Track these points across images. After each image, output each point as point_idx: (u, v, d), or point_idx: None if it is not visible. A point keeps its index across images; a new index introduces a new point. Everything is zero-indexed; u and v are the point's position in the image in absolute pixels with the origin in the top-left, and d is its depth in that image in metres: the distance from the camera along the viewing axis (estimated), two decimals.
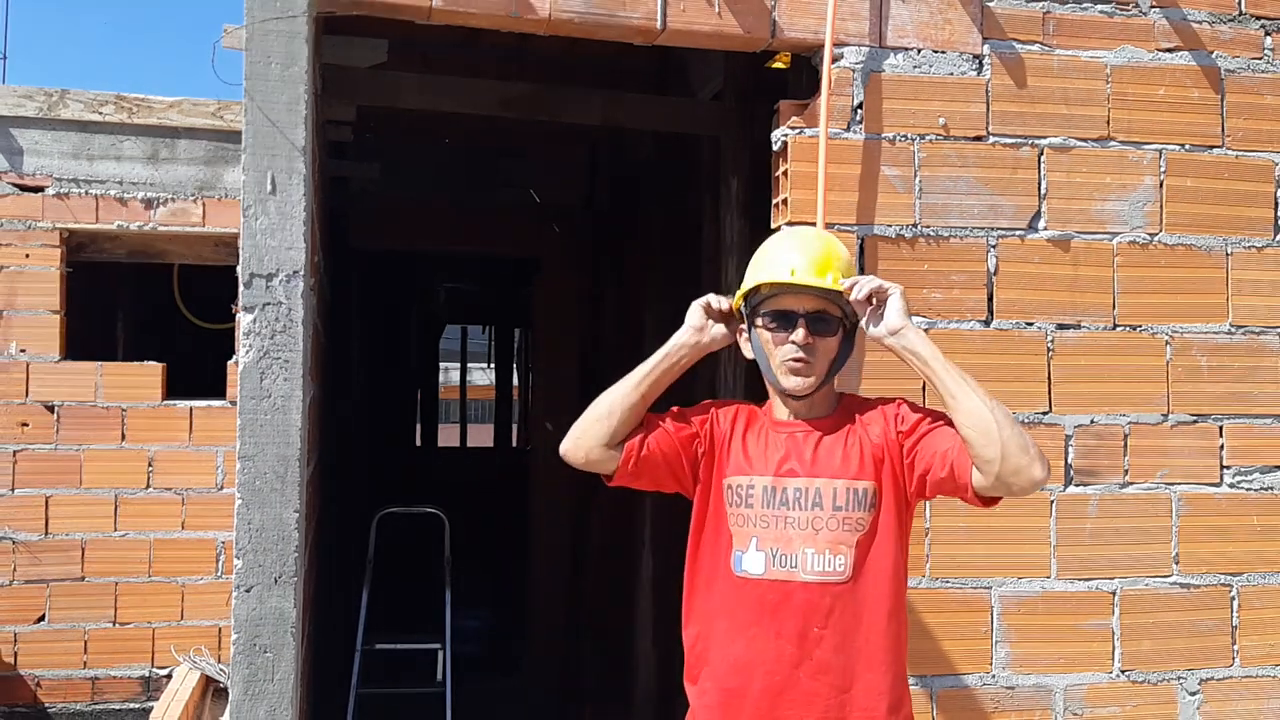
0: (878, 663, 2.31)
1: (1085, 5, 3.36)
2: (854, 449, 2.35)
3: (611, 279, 7.09)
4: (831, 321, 2.37)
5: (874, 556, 2.31)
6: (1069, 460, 3.28)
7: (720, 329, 2.45)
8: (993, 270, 3.27)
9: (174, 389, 5.39)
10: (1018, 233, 3.29)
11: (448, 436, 15.79)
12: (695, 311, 2.45)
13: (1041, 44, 3.33)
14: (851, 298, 2.35)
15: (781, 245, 2.42)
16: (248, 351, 2.89)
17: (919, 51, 3.27)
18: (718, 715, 2.35)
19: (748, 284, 2.41)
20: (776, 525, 2.31)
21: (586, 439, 2.42)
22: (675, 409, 2.50)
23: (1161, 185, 3.37)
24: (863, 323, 2.39)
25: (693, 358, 2.45)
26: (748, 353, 2.45)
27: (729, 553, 2.35)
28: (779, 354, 2.35)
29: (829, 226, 3.14)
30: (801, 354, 2.32)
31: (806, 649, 2.28)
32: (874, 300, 2.36)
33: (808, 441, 2.37)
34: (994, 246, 3.28)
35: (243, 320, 2.91)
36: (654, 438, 2.41)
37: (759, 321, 2.38)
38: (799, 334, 2.33)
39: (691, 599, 2.43)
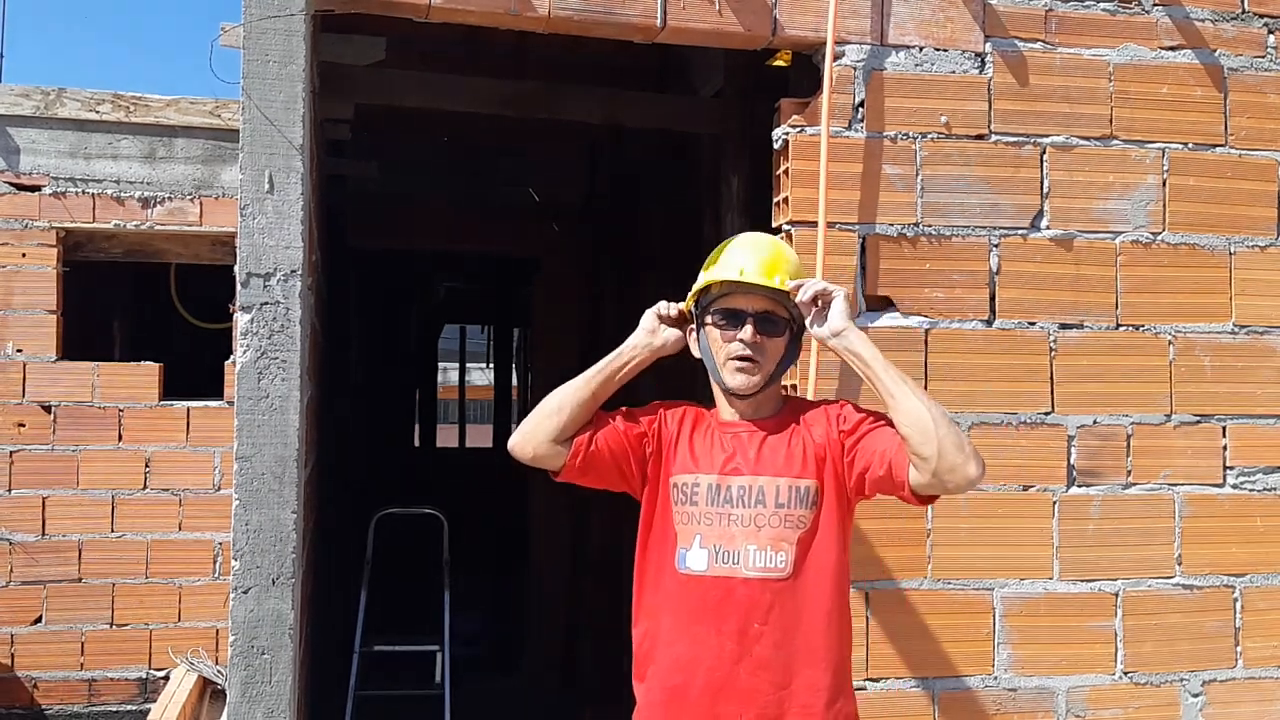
0: (818, 660, 2.34)
1: (1088, 3, 3.34)
2: (797, 448, 2.39)
3: (611, 278, 7.07)
4: (779, 323, 2.41)
5: (815, 554, 2.34)
6: (1071, 461, 3.26)
7: (673, 333, 2.49)
8: (995, 269, 3.25)
9: (171, 389, 5.37)
10: (1020, 232, 3.27)
11: (446, 437, 15.77)
12: (648, 316, 2.50)
13: (1044, 42, 3.31)
14: (797, 299, 2.39)
15: (732, 248, 2.46)
16: (245, 351, 2.87)
17: (920, 49, 3.25)
18: (660, 713, 2.37)
19: (699, 284, 2.44)
20: (720, 522, 2.34)
21: (536, 434, 2.45)
22: (625, 409, 2.52)
23: (1164, 184, 3.35)
24: (807, 324, 2.42)
25: (645, 360, 2.49)
26: (696, 352, 2.48)
27: (674, 550, 2.38)
28: (726, 351, 2.39)
29: (830, 225, 3.13)
30: (748, 352, 2.37)
31: (746, 645, 2.31)
32: (819, 302, 2.40)
33: (752, 440, 2.41)
34: (996, 245, 3.26)
35: (240, 320, 2.89)
36: (603, 435, 2.44)
37: (708, 320, 2.43)
38: (747, 331, 2.37)
39: (639, 597, 2.46)
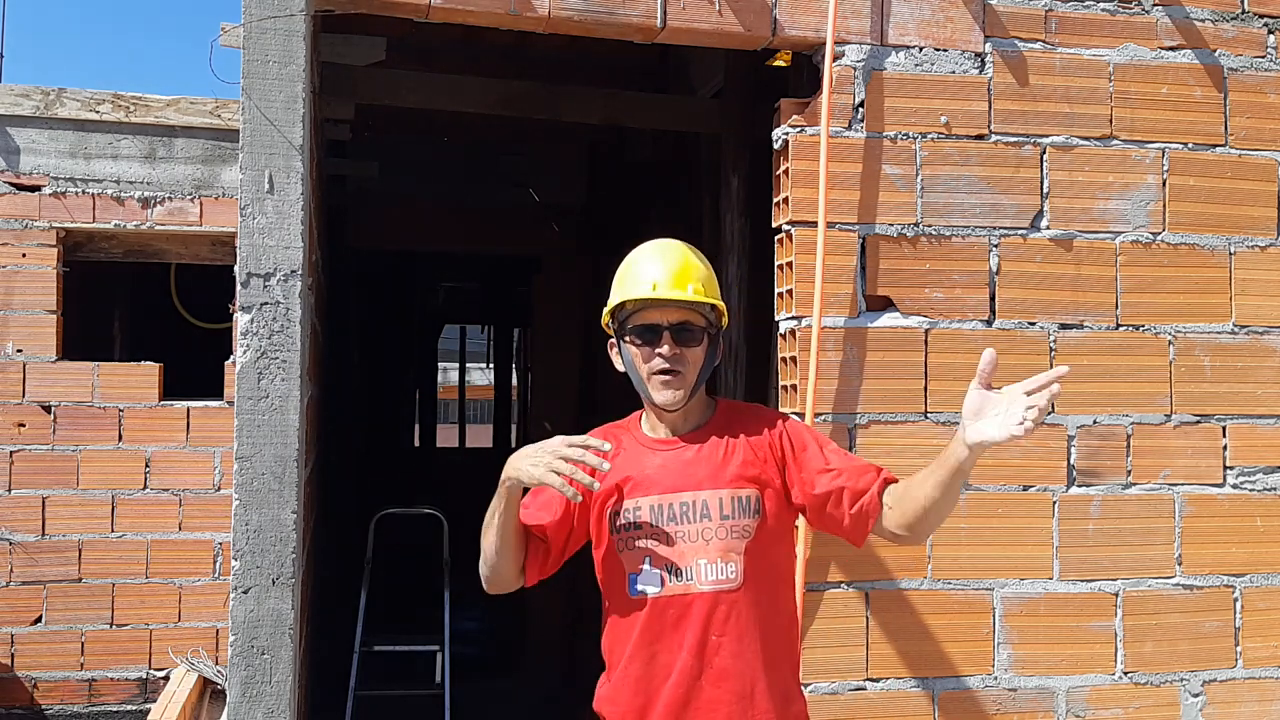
0: (776, 664, 2.37)
1: (1088, 3, 3.34)
2: (734, 458, 2.39)
3: (611, 278, 7.07)
4: (695, 331, 2.40)
5: (763, 560, 2.36)
6: (1071, 461, 3.26)
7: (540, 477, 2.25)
8: (995, 269, 3.25)
9: (171, 389, 5.37)
10: (1020, 232, 3.27)
11: (446, 437, 15.78)
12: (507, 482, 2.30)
13: (1044, 42, 3.31)
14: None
15: (642, 259, 2.45)
16: (245, 351, 2.87)
17: (920, 49, 3.25)
18: None
19: (612, 301, 2.44)
20: (668, 541, 2.34)
21: (498, 585, 2.46)
22: (535, 492, 2.44)
23: (1164, 184, 3.35)
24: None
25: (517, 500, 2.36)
26: (619, 366, 2.48)
27: (624, 577, 2.38)
28: (648, 368, 2.39)
29: (830, 225, 3.13)
30: (669, 365, 2.36)
31: (707, 658, 2.32)
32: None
33: (687, 456, 2.41)
34: (996, 245, 3.26)
35: (240, 320, 2.89)
36: (547, 551, 2.43)
37: (627, 338, 2.42)
38: (664, 348, 2.36)
39: (604, 627, 2.47)
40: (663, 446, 2.43)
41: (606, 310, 2.47)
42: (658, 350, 2.36)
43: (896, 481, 2.34)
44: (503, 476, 2.31)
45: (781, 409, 3.28)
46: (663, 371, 2.36)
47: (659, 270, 2.39)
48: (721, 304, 2.44)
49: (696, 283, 2.38)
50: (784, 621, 2.43)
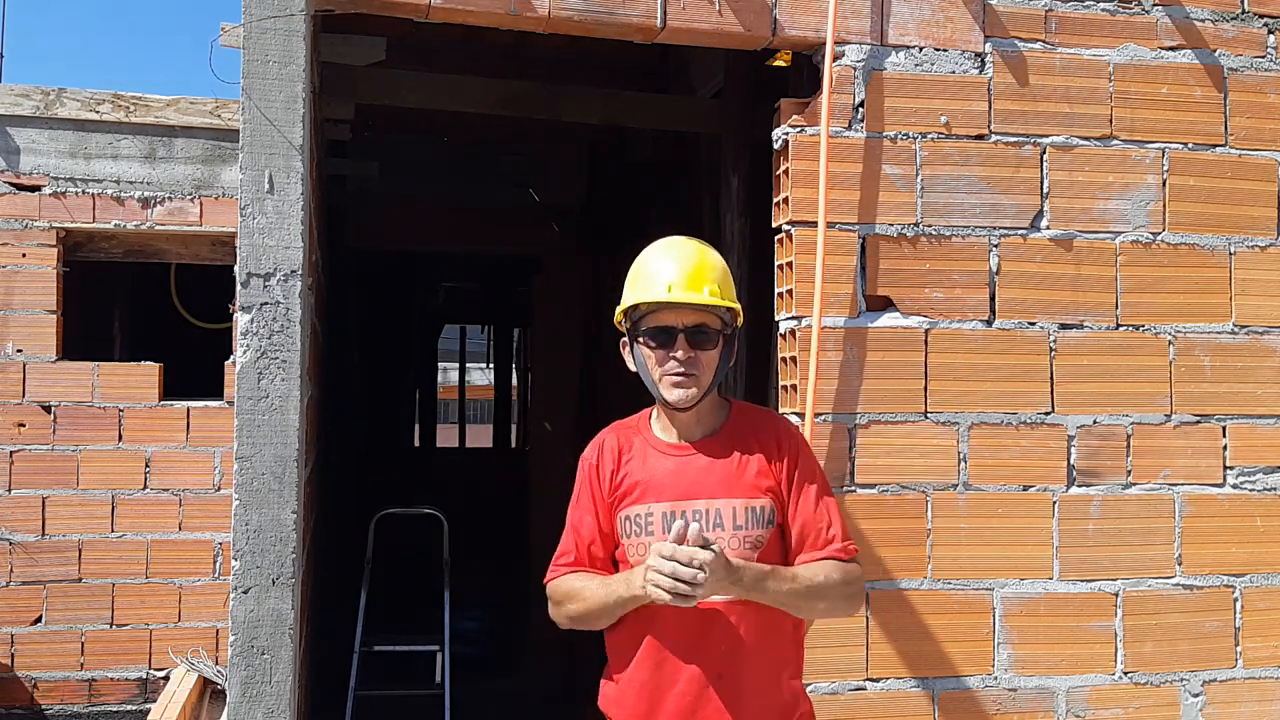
0: (784, 671, 2.37)
1: (1088, 3, 3.34)
2: (749, 468, 2.38)
3: (611, 278, 7.07)
4: (711, 334, 2.37)
5: None
6: (1071, 461, 3.26)
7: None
8: (995, 269, 3.25)
9: (171, 389, 5.37)
10: (1020, 232, 3.27)
11: (446, 437, 15.78)
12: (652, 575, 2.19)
13: (1044, 42, 3.31)
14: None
15: (657, 260, 2.41)
16: (245, 351, 2.87)
17: (920, 49, 3.25)
18: None
19: (626, 301, 2.41)
20: None
21: (585, 629, 2.47)
22: (576, 521, 2.49)
23: (1164, 184, 3.35)
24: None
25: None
26: (631, 365, 2.45)
27: None
28: (662, 369, 2.36)
29: (830, 225, 3.13)
30: (683, 368, 2.34)
31: (716, 667, 2.31)
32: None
33: (702, 464, 2.39)
34: (996, 245, 3.26)
35: (240, 320, 2.89)
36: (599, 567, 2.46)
37: (640, 339, 2.39)
38: (679, 351, 2.34)
39: (608, 630, 2.45)
40: (675, 452, 2.41)
41: (620, 309, 2.44)
42: (672, 354, 2.34)
43: (841, 559, 2.39)
44: (637, 592, 2.24)
45: (781, 409, 3.28)
46: (676, 374, 2.34)
47: (674, 271, 2.36)
48: (737, 305, 2.41)
49: (713, 284, 2.35)
50: (790, 628, 2.42)
